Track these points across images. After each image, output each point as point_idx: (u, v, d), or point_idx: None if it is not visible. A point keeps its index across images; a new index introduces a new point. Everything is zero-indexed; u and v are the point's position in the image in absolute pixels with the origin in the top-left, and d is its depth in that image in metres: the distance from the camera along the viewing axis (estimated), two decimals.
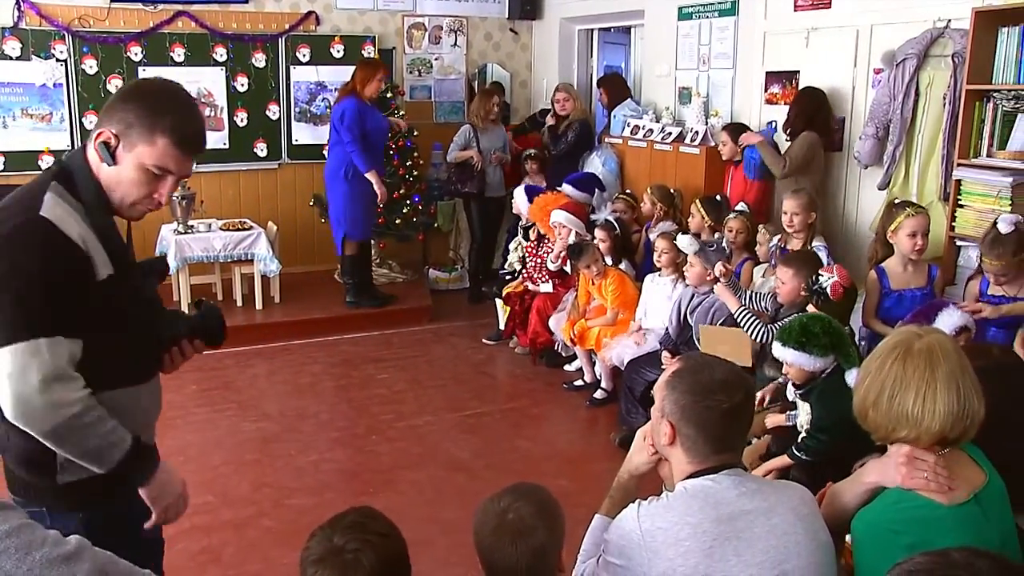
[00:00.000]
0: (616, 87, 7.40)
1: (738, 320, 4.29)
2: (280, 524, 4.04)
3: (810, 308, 3.91)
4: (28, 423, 1.87)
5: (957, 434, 1.91)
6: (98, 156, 1.99)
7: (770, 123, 6.07)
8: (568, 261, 6.04)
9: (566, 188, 6.49)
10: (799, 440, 3.37)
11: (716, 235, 5.35)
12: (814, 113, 5.46)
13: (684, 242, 4.82)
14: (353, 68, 6.83)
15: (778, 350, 3.33)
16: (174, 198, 6.67)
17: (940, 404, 1.89)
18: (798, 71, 5.85)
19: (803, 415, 3.43)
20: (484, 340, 6.71)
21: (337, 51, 7.95)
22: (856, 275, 4.69)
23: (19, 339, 1.84)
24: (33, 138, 7.12)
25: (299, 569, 1.81)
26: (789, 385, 3.68)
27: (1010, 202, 4.32)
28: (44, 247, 1.88)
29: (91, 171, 2.00)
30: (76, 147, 1.99)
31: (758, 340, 4.22)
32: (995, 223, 3.91)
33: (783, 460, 3.36)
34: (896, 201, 4.48)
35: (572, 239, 6.07)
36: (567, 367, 6.09)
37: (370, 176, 6.48)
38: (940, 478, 1.89)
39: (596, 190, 6.59)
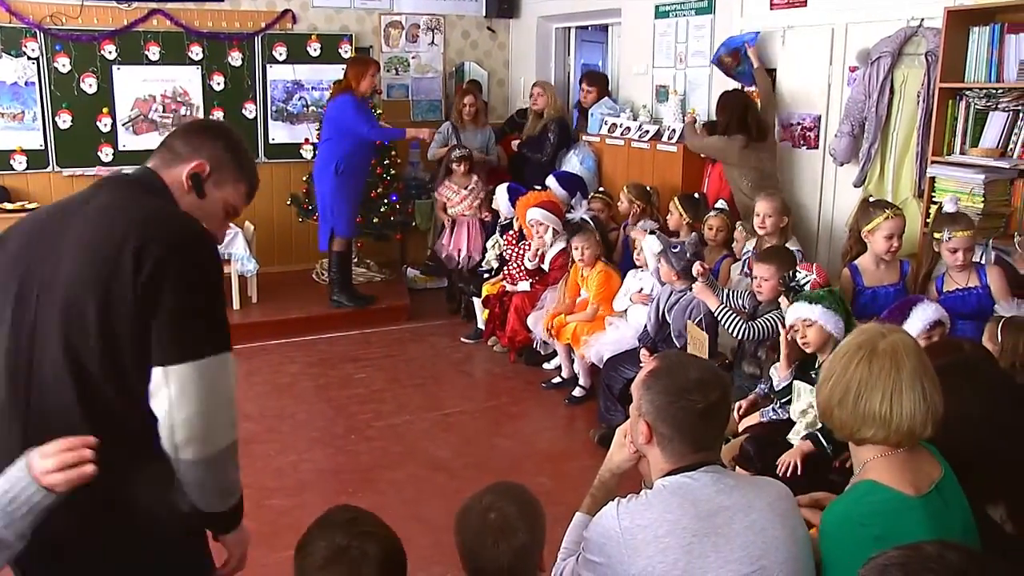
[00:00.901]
0: (603, 84, 7.43)
1: (718, 318, 4.31)
2: (260, 525, 4.00)
3: (783, 302, 3.95)
4: (205, 441, 1.82)
5: (927, 431, 1.94)
6: (186, 185, 1.97)
7: (756, 33, 5.97)
8: (544, 259, 6.07)
9: (550, 182, 6.51)
10: (815, 427, 3.39)
11: (693, 233, 5.38)
12: (743, 114, 5.54)
13: (649, 243, 4.87)
14: (326, 66, 6.81)
15: (804, 308, 3.44)
16: None
17: (906, 403, 1.91)
18: (774, 69, 5.89)
19: (806, 398, 3.45)
20: (463, 339, 6.71)
21: (314, 50, 7.92)
22: (833, 273, 4.74)
23: (220, 350, 1.83)
24: (5, 137, 7.06)
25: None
26: (776, 375, 3.71)
27: (983, 199, 4.37)
28: (217, 258, 1.90)
29: (172, 198, 1.97)
30: (135, 167, 1.91)
31: (738, 337, 4.24)
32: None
33: (807, 445, 3.38)
34: (872, 200, 4.51)
35: (549, 236, 6.09)
36: (546, 365, 6.09)
37: (411, 131, 6.89)
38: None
39: (579, 192, 6.61)
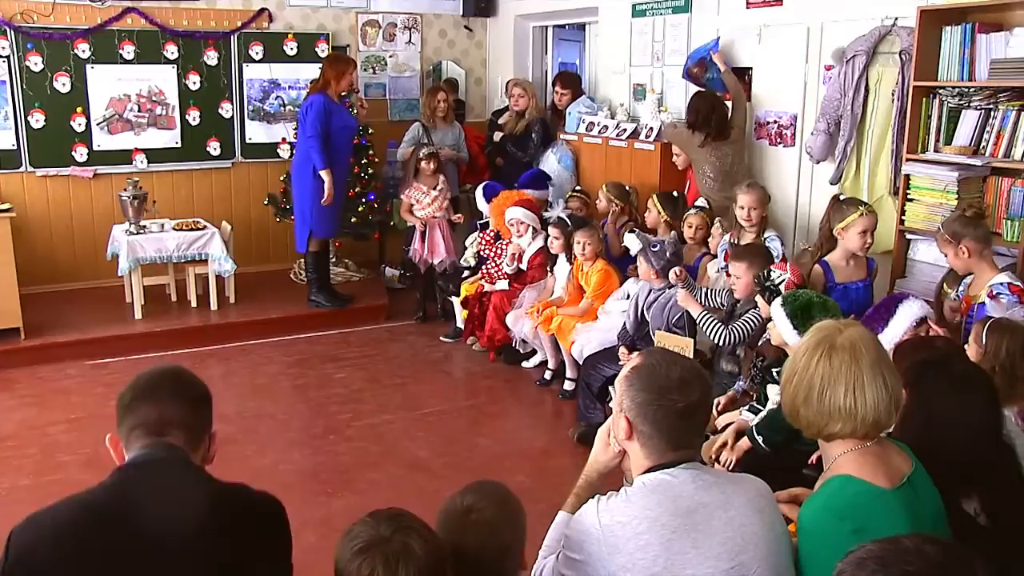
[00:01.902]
0: (577, 85, 7.44)
1: (700, 325, 4.33)
2: None
3: (759, 302, 3.98)
4: None
5: (891, 420, 1.96)
6: (207, 461, 2.11)
7: (716, 39, 6.13)
8: (523, 259, 6.07)
9: (527, 192, 6.52)
10: (759, 422, 3.42)
11: (672, 232, 5.40)
12: (709, 113, 5.61)
13: (629, 240, 4.89)
14: (303, 65, 6.76)
15: (776, 309, 3.44)
16: (124, 198, 6.58)
17: (869, 394, 1.94)
18: (751, 68, 5.92)
19: (774, 396, 3.49)
20: (441, 338, 6.70)
21: (290, 48, 7.88)
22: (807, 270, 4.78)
23: None
24: None
25: (337, 562, 1.76)
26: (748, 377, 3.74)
27: (956, 196, 4.42)
28: None
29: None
30: (153, 442, 1.86)
31: (718, 343, 4.27)
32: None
33: (745, 443, 3.42)
34: (842, 197, 4.55)
35: (529, 235, 6.10)
36: (525, 364, 6.10)
37: (323, 175, 6.42)
38: None
39: (548, 185, 6.64)
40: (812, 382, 1.96)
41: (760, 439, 3.33)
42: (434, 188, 6.88)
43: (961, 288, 3.98)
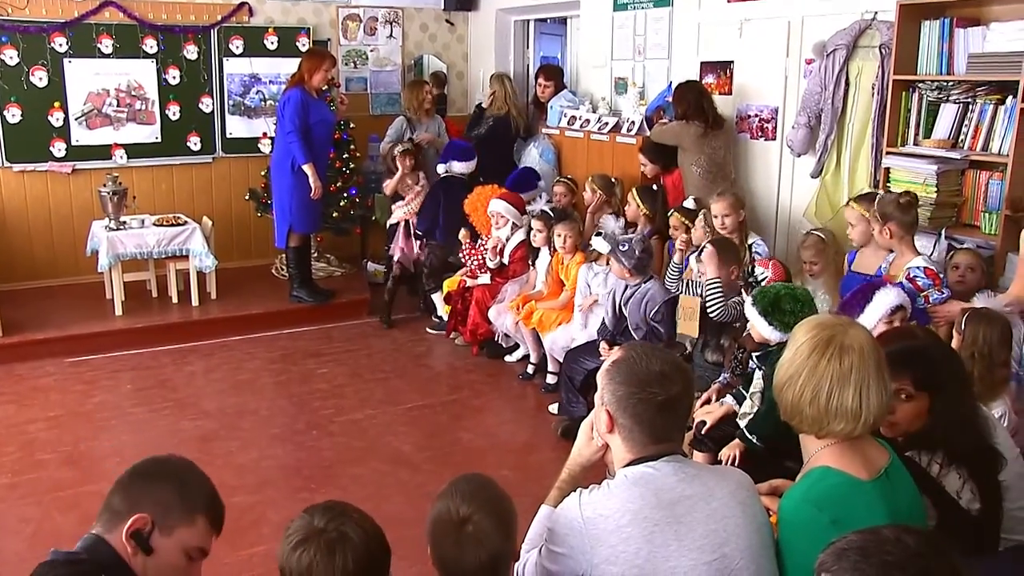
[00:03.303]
0: (560, 77, 7.44)
1: (705, 291, 4.35)
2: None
3: (745, 298, 4.00)
4: None
5: (883, 420, 1.98)
6: (129, 548, 1.79)
7: (669, 84, 6.31)
8: (504, 253, 6.07)
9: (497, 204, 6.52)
10: (749, 420, 3.44)
11: (639, 228, 5.42)
12: (699, 100, 5.62)
13: (598, 243, 4.91)
14: (283, 59, 6.73)
15: (748, 309, 3.49)
16: (104, 193, 6.53)
17: (875, 396, 1.94)
18: (732, 61, 5.94)
19: (755, 384, 3.51)
20: (428, 330, 6.71)
21: (271, 43, 7.84)
22: (793, 263, 4.82)
23: None
24: None
25: (280, 559, 1.79)
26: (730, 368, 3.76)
27: (935, 189, 4.44)
28: None
29: (128, 568, 1.80)
30: (85, 536, 1.88)
31: (714, 315, 4.28)
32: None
33: (739, 443, 3.45)
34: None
35: (508, 230, 6.11)
36: (508, 358, 6.11)
37: (307, 168, 6.40)
38: None
39: (536, 184, 6.65)
40: (820, 383, 1.95)
41: (753, 438, 3.35)
42: (418, 184, 6.85)
43: (884, 265, 4.17)
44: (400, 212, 6.89)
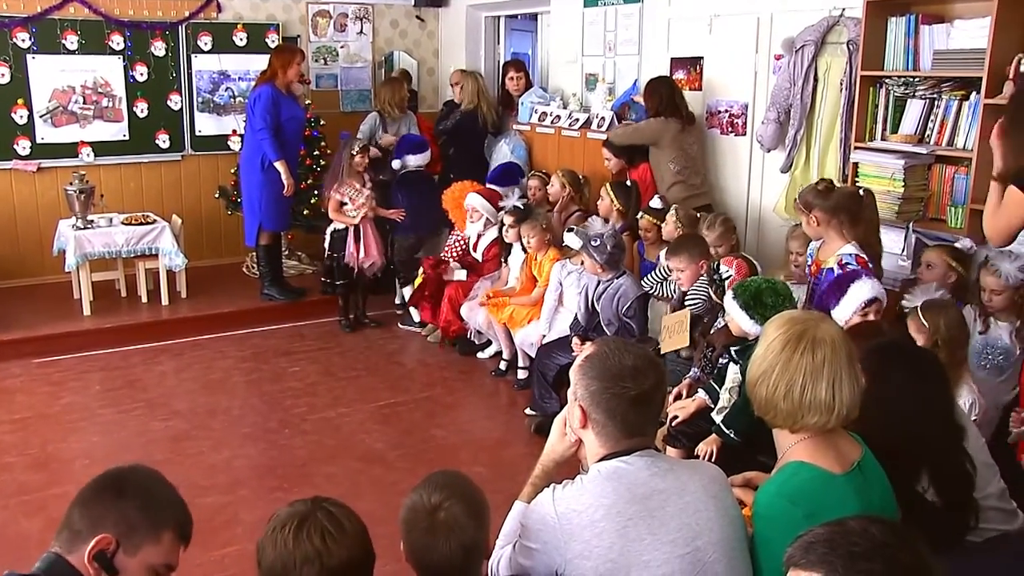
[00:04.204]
0: (526, 72, 7.45)
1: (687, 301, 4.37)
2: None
3: (712, 295, 4.04)
4: None
5: (855, 413, 2.00)
6: (92, 569, 1.72)
7: (634, 82, 6.37)
8: (477, 248, 6.07)
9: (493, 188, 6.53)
10: (725, 415, 3.46)
11: (611, 224, 5.44)
12: (671, 96, 5.65)
13: (569, 239, 4.92)
14: (253, 56, 6.66)
15: (727, 300, 3.49)
16: (71, 192, 6.45)
17: (847, 388, 1.97)
18: (702, 57, 5.97)
19: (731, 378, 3.52)
20: (400, 325, 6.72)
21: (240, 39, 7.77)
22: (766, 259, 4.85)
23: None
24: None
25: (261, 545, 1.79)
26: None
27: (903, 183, 4.49)
28: None
29: None
30: (44, 556, 1.78)
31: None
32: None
33: (716, 439, 3.47)
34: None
35: (482, 225, 6.11)
36: (480, 355, 6.11)
37: (279, 165, 6.36)
38: None
39: (518, 180, 6.65)
40: (794, 376, 1.97)
41: (731, 433, 3.37)
42: (364, 186, 6.37)
43: (810, 252, 4.20)
44: (355, 213, 6.34)
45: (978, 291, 3.79)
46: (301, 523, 1.76)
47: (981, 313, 3.78)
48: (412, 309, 6.61)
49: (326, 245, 6.53)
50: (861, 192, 4.18)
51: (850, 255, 3.91)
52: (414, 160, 6.73)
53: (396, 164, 6.77)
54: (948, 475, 2.38)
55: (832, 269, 3.84)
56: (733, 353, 3.60)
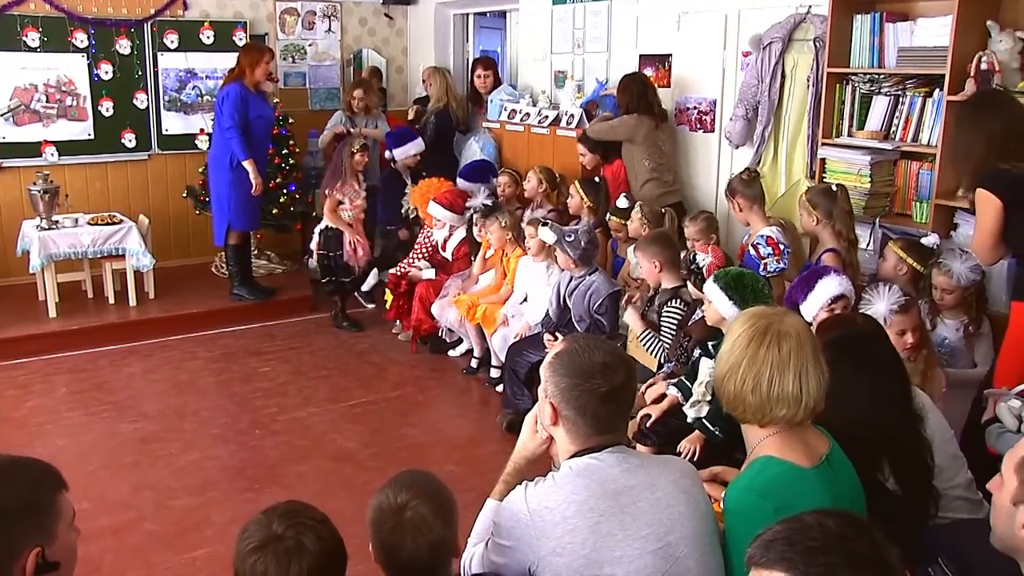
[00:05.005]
0: (497, 69, 7.45)
1: (641, 342, 4.36)
2: (163, 527, 3.92)
3: (690, 287, 4.06)
4: None
5: (822, 405, 2.02)
6: None
7: (603, 81, 6.44)
8: (446, 248, 6.08)
9: (461, 183, 6.53)
10: (709, 411, 3.48)
11: (585, 219, 5.46)
12: (644, 93, 5.67)
13: (543, 235, 4.93)
14: (220, 54, 6.59)
15: (708, 285, 3.50)
16: (35, 192, 6.36)
17: (813, 380, 1.99)
18: (671, 54, 6.00)
19: (705, 371, 3.54)
20: (359, 296, 6.82)
21: (207, 37, 7.70)
22: (733, 252, 4.89)
23: None
24: None
25: (235, 561, 1.77)
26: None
27: (869, 179, 4.54)
28: None
29: None
30: None
31: (656, 357, 4.32)
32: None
33: (699, 436, 3.49)
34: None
35: (445, 231, 6.13)
36: (451, 353, 6.10)
37: (247, 164, 6.31)
38: None
39: (491, 177, 6.64)
40: (761, 370, 1.98)
41: (716, 430, 3.39)
42: (359, 187, 6.43)
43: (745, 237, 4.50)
44: (348, 215, 6.44)
45: (930, 289, 3.83)
46: (264, 547, 1.74)
47: (931, 311, 3.83)
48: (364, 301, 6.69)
49: (314, 245, 6.55)
50: (834, 188, 4.24)
51: (762, 237, 4.23)
52: (408, 151, 6.76)
53: (390, 154, 6.84)
54: (907, 464, 2.41)
55: (749, 251, 4.12)
56: (710, 347, 3.61)
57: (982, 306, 3.82)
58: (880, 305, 3.34)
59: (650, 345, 4.28)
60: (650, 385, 4.06)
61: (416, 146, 6.79)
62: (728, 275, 3.46)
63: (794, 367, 1.97)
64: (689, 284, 4.07)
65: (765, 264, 4.16)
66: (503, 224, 5.59)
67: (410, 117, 7.55)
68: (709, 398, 3.55)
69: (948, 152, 3.78)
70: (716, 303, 3.45)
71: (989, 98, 3.62)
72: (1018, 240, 3.37)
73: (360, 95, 7.36)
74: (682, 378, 3.83)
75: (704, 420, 3.51)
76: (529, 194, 6.23)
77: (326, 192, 6.44)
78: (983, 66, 4.08)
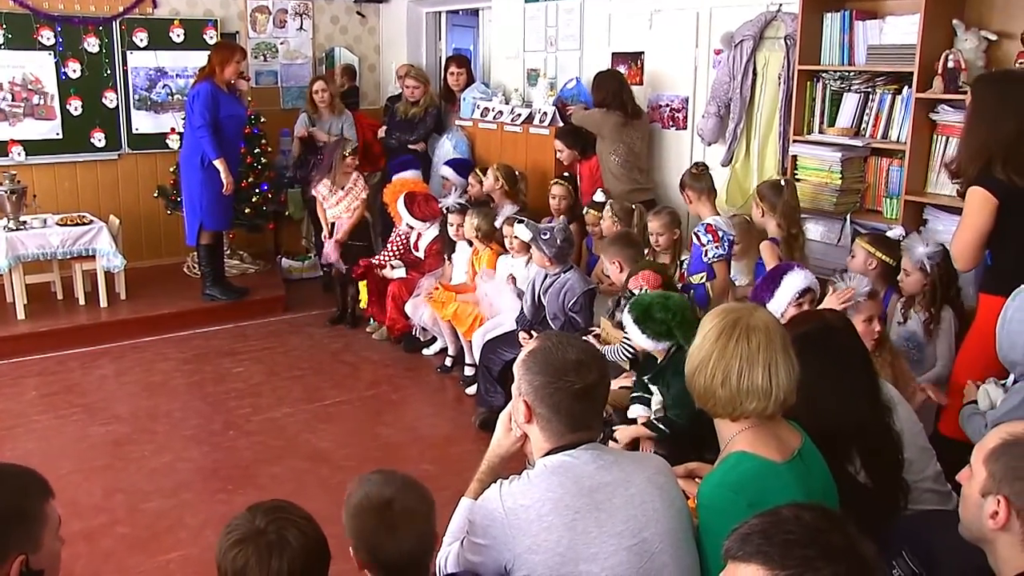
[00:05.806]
0: (471, 67, 7.45)
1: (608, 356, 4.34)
2: (136, 530, 3.88)
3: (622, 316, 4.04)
4: None
5: (792, 398, 2.03)
6: None
7: (577, 79, 6.49)
8: (418, 247, 6.07)
9: (447, 171, 6.60)
10: (658, 416, 3.47)
11: (562, 217, 5.47)
12: (618, 90, 5.69)
13: (519, 231, 4.93)
14: (190, 52, 6.53)
15: (625, 318, 3.46)
16: (2, 192, 6.27)
17: (783, 373, 2.00)
18: (643, 52, 6.02)
19: (656, 401, 3.51)
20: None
21: (177, 35, 7.63)
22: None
23: None
24: None
25: (217, 555, 1.76)
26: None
27: (840, 175, 4.58)
28: None
29: None
30: None
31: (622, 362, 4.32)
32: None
33: (641, 430, 3.44)
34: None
35: (405, 227, 6.17)
36: (426, 351, 6.09)
37: (218, 164, 6.26)
38: None
39: (467, 173, 6.66)
40: (731, 363, 1.99)
41: (663, 426, 3.37)
42: (341, 188, 6.44)
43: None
44: (333, 211, 6.51)
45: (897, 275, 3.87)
46: (245, 541, 1.74)
47: (904, 305, 3.86)
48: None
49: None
50: (783, 183, 4.31)
51: (702, 224, 4.49)
52: (453, 179, 6.73)
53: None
54: (877, 456, 2.43)
55: (694, 240, 4.40)
56: (656, 381, 3.48)
57: (941, 302, 3.74)
58: (920, 249, 3.67)
59: (616, 356, 4.25)
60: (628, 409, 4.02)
61: (415, 174, 6.77)
62: (639, 306, 3.40)
63: (764, 360, 1.99)
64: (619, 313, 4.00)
65: (706, 251, 4.39)
66: (475, 224, 5.60)
67: (380, 135, 7.48)
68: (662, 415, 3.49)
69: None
70: (632, 335, 3.44)
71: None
72: (1003, 244, 3.27)
73: (321, 86, 7.25)
74: (642, 393, 3.75)
75: (653, 420, 3.45)
76: (487, 190, 6.17)
77: (314, 187, 6.63)
78: (950, 64, 4.13)
